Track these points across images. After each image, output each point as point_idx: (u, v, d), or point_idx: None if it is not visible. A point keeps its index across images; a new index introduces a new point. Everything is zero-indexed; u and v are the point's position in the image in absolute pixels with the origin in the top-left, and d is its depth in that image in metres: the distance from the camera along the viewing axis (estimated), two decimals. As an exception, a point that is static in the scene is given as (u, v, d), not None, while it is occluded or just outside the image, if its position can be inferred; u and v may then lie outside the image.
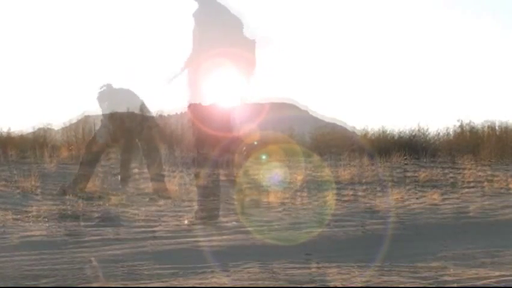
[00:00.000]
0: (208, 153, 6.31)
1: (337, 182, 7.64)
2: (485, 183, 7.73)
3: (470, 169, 9.35)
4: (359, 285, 2.75)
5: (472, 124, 14.10)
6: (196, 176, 5.40)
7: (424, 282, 2.83)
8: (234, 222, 4.45)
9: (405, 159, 11.12)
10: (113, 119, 6.32)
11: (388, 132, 13.88)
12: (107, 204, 5.57)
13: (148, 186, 6.98)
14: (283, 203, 5.73)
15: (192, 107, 6.33)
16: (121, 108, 6.32)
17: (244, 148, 6.04)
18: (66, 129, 12.61)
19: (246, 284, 2.74)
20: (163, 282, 2.74)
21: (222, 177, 5.17)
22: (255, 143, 6.36)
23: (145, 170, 8.46)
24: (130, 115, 6.49)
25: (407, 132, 13.81)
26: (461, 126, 14.13)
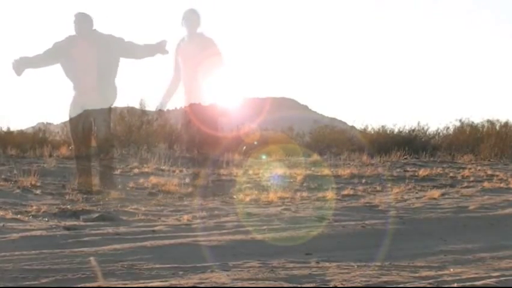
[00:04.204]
0: (208, 153, 6.34)
1: (337, 180, 7.65)
2: (485, 181, 7.73)
3: (470, 168, 9.35)
4: (359, 284, 2.75)
5: (471, 122, 14.13)
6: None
7: (424, 282, 2.83)
8: (235, 222, 4.45)
9: (405, 158, 11.13)
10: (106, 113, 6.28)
11: (388, 129, 13.89)
12: (106, 199, 5.57)
13: (147, 181, 6.99)
14: (283, 202, 5.73)
15: (192, 107, 6.41)
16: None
17: (245, 147, 6.09)
18: (65, 125, 12.59)
19: (245, 283, 2.74)
20: (162, 281, 2.73)
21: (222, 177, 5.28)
22: (255, 142, 6.41)
23: (145, 165, 8.50)
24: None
25: (407, 129, 13.83)
26: (461, 122, 14.15)
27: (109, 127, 6.22)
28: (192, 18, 6.37)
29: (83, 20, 6.20)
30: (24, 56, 6.20)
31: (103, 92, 6.20)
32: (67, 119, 6.46)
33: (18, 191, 5.80)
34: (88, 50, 6.15)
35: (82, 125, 6.30)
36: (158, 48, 6.30)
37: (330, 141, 13.93)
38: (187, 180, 6.72)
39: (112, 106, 6.42)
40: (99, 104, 6.19)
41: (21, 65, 6.15)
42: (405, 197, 6.25)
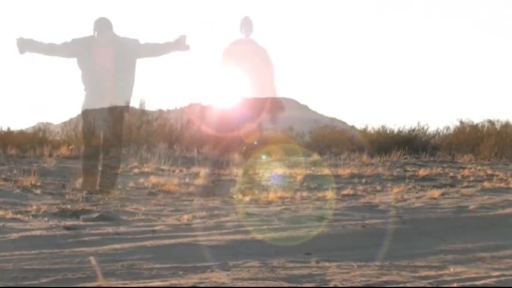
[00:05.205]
0: (208, 153, 6.37)
1: (337, 180, 7.65)
2: (485, 181, 7.73)
3: (470, 168, 9.36)
4: (359, 284, 2.75)
5: (471, 122, 14.14)
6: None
7: (424, 281, 2.83)
8: (235, 222, 4.45)
9: (405, 158, 11.13)
10: (112, 112, 6.27)
11: (388, 129, 13.91)
12: (106, 199, 5.57)
13: (147, 181, 6.98)
14: (283, 201, 5.73)
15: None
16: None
17: (245, 148, 6.11)
18: (66, 124, 12.60)
19: (245, 283, 2.74)
20: (162, 281, 2.73)
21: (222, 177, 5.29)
22: (255, 142, 6.43)
23: (145, 165, 8.50)
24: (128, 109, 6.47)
25: (407, 129, 13.84)
26: (461, 122, 14.16)
27: (109, 127, 6.21)
28: (247, 24, 6.75)
29: (105, 26, 6.22)
30: (39, 41, 6.17)
31: (114, 92, 6.20)
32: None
33: (18, 190, 5.80)
34: (106, 54, 6.15)
35: (83, 124, 6.32)
36: (178, 44, 6.29)
37: (330, 141, 13.94)
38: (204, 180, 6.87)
39: (127, 105, 6.41)
40: (102, 103, 6.19)
41: (28, 45, 6.12)
42: (405, 196, 6.24)
